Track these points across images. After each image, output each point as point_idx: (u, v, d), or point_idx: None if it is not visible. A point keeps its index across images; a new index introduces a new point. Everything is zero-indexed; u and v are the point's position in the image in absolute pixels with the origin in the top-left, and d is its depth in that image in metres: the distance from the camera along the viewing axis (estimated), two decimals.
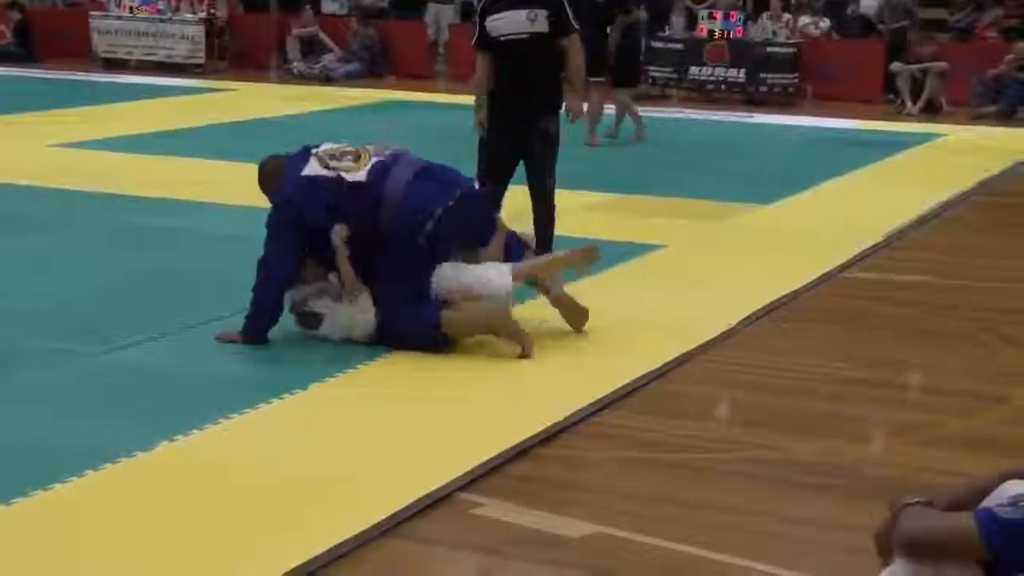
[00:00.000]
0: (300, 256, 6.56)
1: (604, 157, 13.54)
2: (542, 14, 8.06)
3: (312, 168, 6.64)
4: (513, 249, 6.84)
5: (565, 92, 8.36)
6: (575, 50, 8.24)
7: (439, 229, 6.47)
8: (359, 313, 6.46)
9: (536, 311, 6.91)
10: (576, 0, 13.27)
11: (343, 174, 6.57)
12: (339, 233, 6.45)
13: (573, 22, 8.23)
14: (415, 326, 6.39)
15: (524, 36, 8.09)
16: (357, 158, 6.66)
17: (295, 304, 6.61)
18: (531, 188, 8.13)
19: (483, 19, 8.21)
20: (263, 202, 9.13)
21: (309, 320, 6.57)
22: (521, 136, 8.09)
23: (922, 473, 5.08)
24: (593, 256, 7.00)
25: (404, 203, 6.50)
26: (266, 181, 6.88)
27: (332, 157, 6.66)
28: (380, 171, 6.60)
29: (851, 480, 5.06)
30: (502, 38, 8.11)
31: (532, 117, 8.06)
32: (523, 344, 6.37)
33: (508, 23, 8.09)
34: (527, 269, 6.76)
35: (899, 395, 6.29)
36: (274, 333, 6.57)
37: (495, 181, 7.98)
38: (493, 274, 6.60)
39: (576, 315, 6.82)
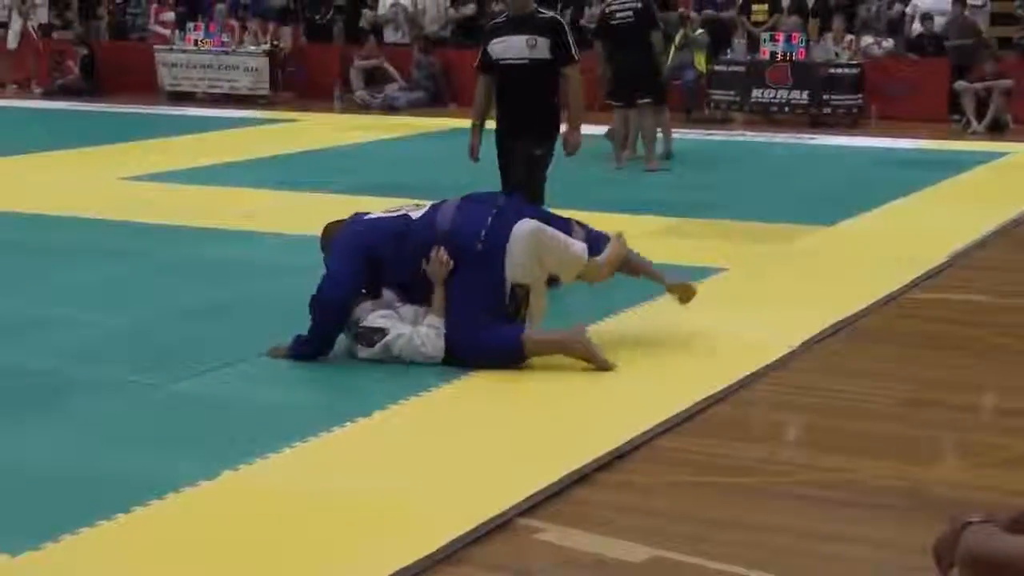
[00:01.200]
0: (358, 280, 6.67)
1: (664, 182, 13.53)
2: (543, 41, 8.32)
3: (376, 214, 6.91)
4: (594, 241, 6.98)
5: (564, 124, 8.65)
6: (574, 81, 8.50)
7: (493, 234, 6.56)
8: (436, 336, 6.53)
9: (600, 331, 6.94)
10: (615, 24, 13.75)
11: (408, 213, 6.84)
12: (439, 258, 6.55)
13: (574, 52, 8.45)
14: (496, 346, 6.46)
15: (524, 61, 8.38)
16: (416, 206, 6.97)
17: (350, 325, 6.67)
18: None
19: (486, 43, 8.53)
20: None
21: (369, 335, 6.59)
22: (512, 157, 8.40)
23: (988, 493, 5.03)
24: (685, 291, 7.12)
25: (454, 226, 6.65)
26: (328, 241, 6.99)
27: (394, 208, 7.02)
28: (434, 207, 6.86)
29: (916, 501, 5.01)
30: (502, 62, 8.41)
31: (522, 140, 8.35)
32: (597, 361, 6.44)
33: (508, 47, 8.39)
34: (612, 258, 6.94)
35: (964, 416, 6.23)
36: (336, 363, 6.65)
37: None
38: (576, 244, 6.79)
39: (685, 292, 7.10)
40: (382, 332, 6.58)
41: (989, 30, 20.19)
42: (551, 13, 8.87)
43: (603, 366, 6.45)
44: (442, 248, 6.55)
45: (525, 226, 6.63)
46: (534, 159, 8.43)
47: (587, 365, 6.49)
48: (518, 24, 8.43)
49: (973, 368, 6.87)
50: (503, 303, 6.55)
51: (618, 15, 14.14)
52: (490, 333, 6.46)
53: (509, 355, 6.46)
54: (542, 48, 8.35)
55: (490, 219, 6.63)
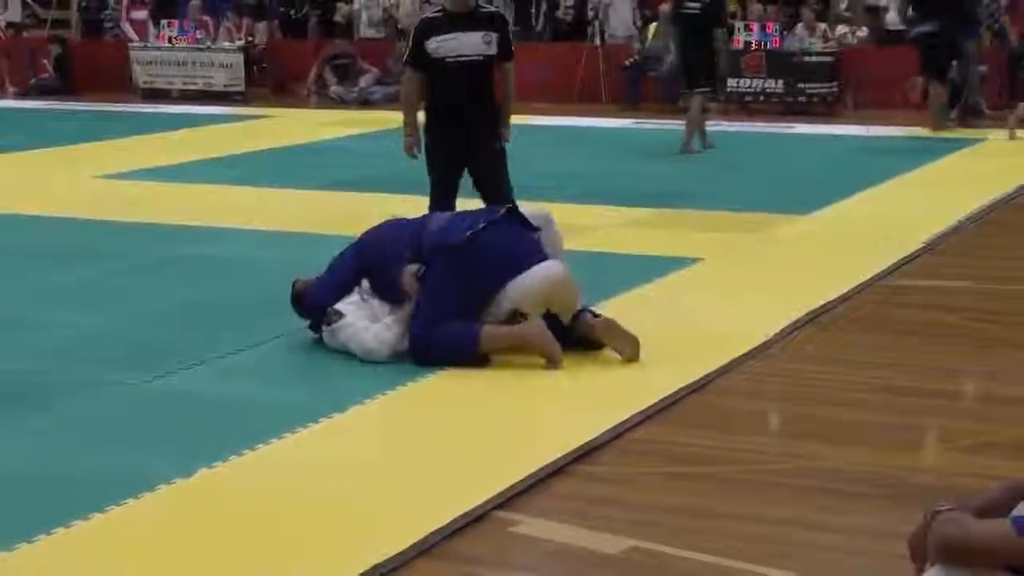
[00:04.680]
0: (341, 288, 6.81)
1: (640, 172, 13.53)
2: (495, 37, 8.27)
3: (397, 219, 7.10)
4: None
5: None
6: (511, 75, 8.50)
7: (476, 236, 6.55)
8: (384, 330, 6.52)
9: None
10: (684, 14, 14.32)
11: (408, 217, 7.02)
12: (412, 275, 6.56)
13: (512, 46, 8.48)
14: (451, 341, 6.42)
15: (478, 59, 8.26)
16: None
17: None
18: (489, 202, 8.11)
19: (424, 38, 8.29)
20: (305, 228, 9.22)
21: (329, 315, 6.65)
22: (470, 154, 8.31)
23: (964, 479, 5.02)
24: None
25: (442, 227, 6.71)
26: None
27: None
28: (427, 216, 7.02)
29: (892, 488, 5.01)
30: (450, 59, 8.22)
31: (484, 136, 8.30)
32: (551, 357, 6.38)
33: (462, 44, 8.23)
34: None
35: (940, 402, 6.22)
36: (313, 359, 6.65)
37: (445, 197, 8.23)
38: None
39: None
40: (339, 315, 6.62)
41: None
42: (493, 8, 8.79)
43: (553, 363, 6.38)
44: (416, 265, 6.57)
45: (557, 269, 6.57)
46: (497, 155, 8.37)
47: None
48: (464, 20, 8.26)
49: (949, 354, 6.88)
50: (476, 308, 6.51)
51: (687, 5, 14.84)
52: (447, 327, 6.43)
53: (464, 347, 6.40)
54: (494, 44, 8.30)
55: (482, 224, 6.63)
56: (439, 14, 8.41)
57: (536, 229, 6.82)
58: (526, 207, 7.16)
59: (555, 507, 4.83)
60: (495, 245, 6.58)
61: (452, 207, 8.14)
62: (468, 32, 8.23)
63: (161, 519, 4.67)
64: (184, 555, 4.38)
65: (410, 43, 8.46)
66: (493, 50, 8.29)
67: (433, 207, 8.10)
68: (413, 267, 6.56)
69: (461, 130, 8.33)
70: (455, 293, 6.49)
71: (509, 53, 8.43)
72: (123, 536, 4.53)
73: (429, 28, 8.33)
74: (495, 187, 8.24)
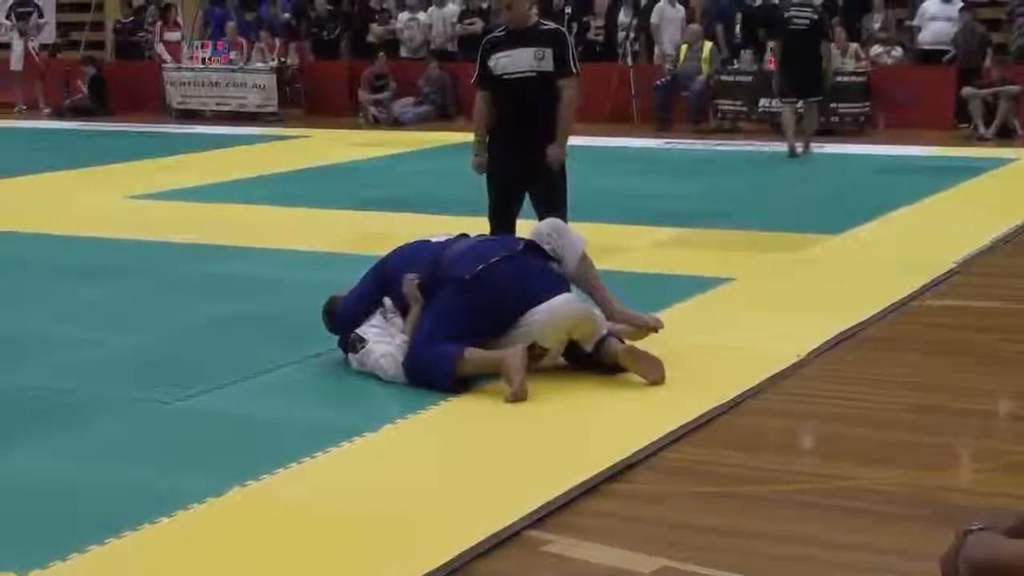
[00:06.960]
0: (364, 299, 6.86)
1: (673, 192, 13.52)
2: (549, 53, 8.17)
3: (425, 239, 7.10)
4: None
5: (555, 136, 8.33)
6: (569, 94, 8.29)
7: (490, 270, 6.54)
8: (398, 352, 6.54)
9: None
10: (792, 29, 15.54)
11: (432, 239, 7.00)
12: (411, 282, 6.60)
13: (574, 66, 8.30)
14: (431, 360, 6.37)
15: (532, 75, 8.20)
16: (449, 235, 7.07)
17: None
18: None
19: (486, 57, 8.31)
20: (336, 247, 9.23)
21: (354, 342, 6.68)
22: (529, 173, 8.23)
23: (995, 499, 5.01)
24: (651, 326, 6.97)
25: (463, 252, 6.72)
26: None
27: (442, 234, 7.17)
28: (456, 238, 6.95)
29: (931, 509, 4.99)
30: (506, 76, 8.22)
31: (538, 154, 8.18)
32: (513, 387, 6.20)
33: (514, 61, 8.20)
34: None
35: (972, 422, 6.20)
36: (344, 379, 6.67)
37: (503, 219, 8.16)
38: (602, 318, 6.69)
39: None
40: (363, 342, 6.63)
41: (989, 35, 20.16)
42: (554, 24, 8.72)
43: (513, 397, 6.19)
44: (414, 274, 6.60)
45: (573, 304, 6.56)
46: (553, 175, 8.28)
47: (592, 379, 6.47)
48: (521, 37, 8.23)
49: (981, 374, 6.86)
50: (487, 335, 6.48)
51: (795, 21, 16.11)
52: (436, 346, 6.39)
53: (441, 370, 6.31)
54: (548, 60, 8.19)
55: (497, 257, 6.62)
56: (501, 33, 8.43)
57: (557, 260, 6.82)
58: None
59: (586, 526, 4.83)
60: (507, 279, 6.56)
61: (510, 228, 8.12)
62: (522, 48, 8.21)
63: (194, 538, 4.69)
64: (215, 574, 4.40)
65: (477, 63, 8.48)
66: (547, 67, 8.19)
67: (491, 226, 8.12)
68: (411, 275, 6.61)
69: (514, 148, 8.28)
70: (460, 319, 6.47)
71: (565, 69, 8.24)
72: (155, 554, 4.55)
73: (490, 46, 8.37)
74: (548, 209, 8.06)
